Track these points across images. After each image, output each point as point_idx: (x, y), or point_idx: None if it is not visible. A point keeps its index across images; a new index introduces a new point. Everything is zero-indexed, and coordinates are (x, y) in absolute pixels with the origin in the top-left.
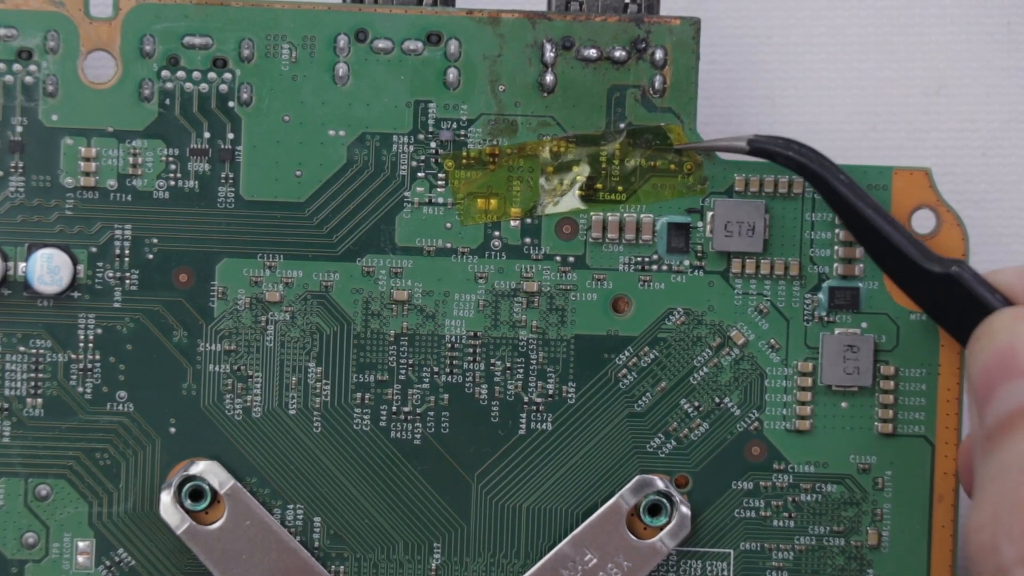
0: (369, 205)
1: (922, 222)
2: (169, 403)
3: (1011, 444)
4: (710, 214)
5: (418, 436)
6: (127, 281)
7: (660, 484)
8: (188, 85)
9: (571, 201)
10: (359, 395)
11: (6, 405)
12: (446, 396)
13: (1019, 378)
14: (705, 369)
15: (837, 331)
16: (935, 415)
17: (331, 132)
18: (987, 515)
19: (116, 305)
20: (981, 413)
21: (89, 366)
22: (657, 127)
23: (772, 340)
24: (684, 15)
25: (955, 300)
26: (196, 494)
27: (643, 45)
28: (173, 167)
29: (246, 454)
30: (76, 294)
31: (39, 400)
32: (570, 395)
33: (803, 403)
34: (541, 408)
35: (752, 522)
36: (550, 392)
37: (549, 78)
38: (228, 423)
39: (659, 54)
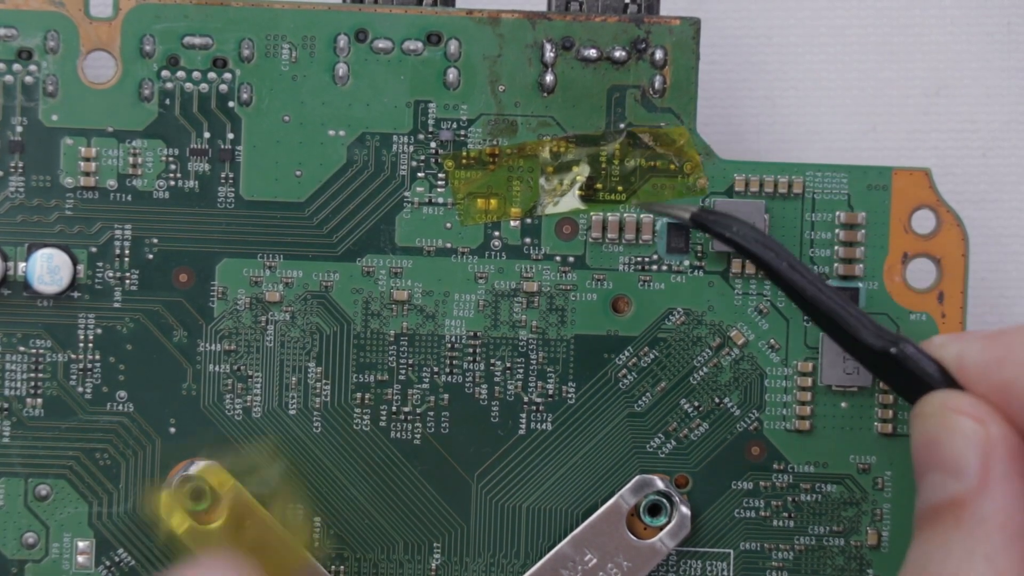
0: (369, 205)
1: (922, 222)
2: (169, 403)
3: (923, 542)
4: None
5: (418, 436)
6: (127, 281)
7: (660, 484)
8: (188, 85)
9: (571, 201)
10: (359, 395)
11: (6, 405)
12: (446, 396)
13: (939, 471)
14: (705, 369)
15: None
16: None
17: (331, 132)
18: None
19: (116, 305)
20: (917, 491)
21: (89, 366)
22: (657, 128)
23: (772, 340)
24: (684, 15)
25: (899, 374)
26: (196, 494)
27: (643, 45)
28: (173, 167)
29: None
30: (76, 294)
31: (39, 400)
32: (570, 395)
33: (803, 403)
34: (541, 408)
35: (752, 522)
36: (550, 392)
37: (549, 78)
38: (228, 423)
39: (659, 54)
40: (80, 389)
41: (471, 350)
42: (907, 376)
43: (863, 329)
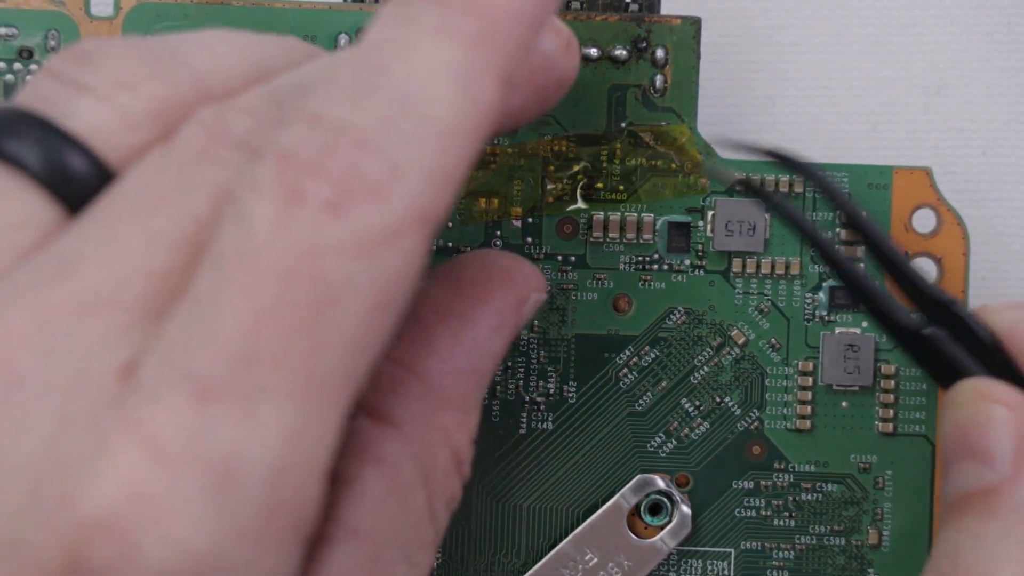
0: None
1: (922, 222)
2: None
3: (954, 531)
4: (711, 213)
5: None
6: None
7: (661, 483)
8: None
9: (572, 201)
10: None
11: None
12: None
13: (971, 459)
14: (706, 368)
15: (838, 331)
16: (936, 414)
17: None
18: None
19: None
20: (943, 479)
21: None
22: (658, 127)
23: (773, 339)
24: (684, 14)
25: (932, 357)
26: None
27: (644, 44)
28: None
29: None
30: None
31: None
32: (571, 394)
33: (803, 402)
34: (542, 407)
35: (752, 521)
36: (551, 391)
37: None
38: None
39: (660, 53)
40: None
41: None
42: (940, 360)
43: (897, 309)
